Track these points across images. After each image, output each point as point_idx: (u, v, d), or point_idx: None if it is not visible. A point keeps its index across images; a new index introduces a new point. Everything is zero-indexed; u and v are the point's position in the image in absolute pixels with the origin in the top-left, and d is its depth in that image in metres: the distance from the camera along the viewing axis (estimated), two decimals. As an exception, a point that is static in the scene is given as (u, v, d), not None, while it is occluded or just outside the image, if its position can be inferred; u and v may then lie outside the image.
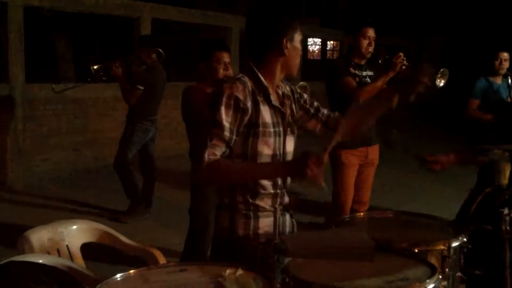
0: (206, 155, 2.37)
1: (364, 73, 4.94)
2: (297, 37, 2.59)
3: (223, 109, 2.42)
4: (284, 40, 2.53)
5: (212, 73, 4.42)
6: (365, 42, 4.86)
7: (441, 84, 4.52)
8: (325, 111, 2.84)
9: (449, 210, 4.56)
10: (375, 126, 4.83)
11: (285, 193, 2.65)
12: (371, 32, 4.88)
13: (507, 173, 3.46)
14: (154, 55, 6.73)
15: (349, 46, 5.03)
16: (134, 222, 6.70)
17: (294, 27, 2.57)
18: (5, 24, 8.58)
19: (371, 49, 4.88)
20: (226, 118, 2.41)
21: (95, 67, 6.70)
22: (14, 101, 8.56)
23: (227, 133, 2.41)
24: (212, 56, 4.45)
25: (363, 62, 4.96)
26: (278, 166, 2.49)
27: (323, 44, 34.72)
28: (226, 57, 4.47)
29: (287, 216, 2.70)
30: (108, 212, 7.08)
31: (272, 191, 2.57)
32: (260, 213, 2.54)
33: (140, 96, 6.62)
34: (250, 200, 2.52)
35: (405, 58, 4.62)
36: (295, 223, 2.77)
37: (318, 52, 35.92)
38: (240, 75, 2.55)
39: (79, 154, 9.75)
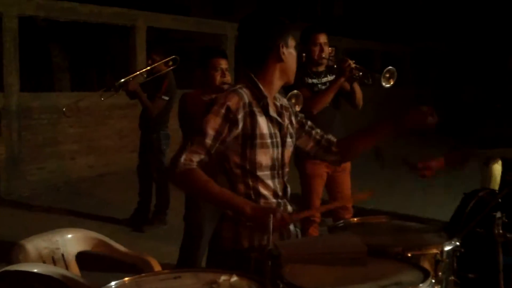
0: (182, 160, 2.37)
1: (324, 80, 4.90)
2: (291, 42, 2.60)
3: (211, 116, 2.43)
4: (280, 45, 2.54)
5: (209, 80, 4.42)
6: (316, 49, 4.83)
7: (388, 85, 4.54)
8: (319, 130, 2.83)
9: (443, 214, 4.58)
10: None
11: (287, 202, 2.65)
12: (321, 38, 4.84)
13: (498, 178, 3.48)
14: (170, 63, 6.69)
15: (305, 56, 4.98)
16: (130, 231, 6.69)
17: (287, 33, 2.58)
18: (0, 34, 8.59)
19: (324, 54, 4.84)
20: (212, 126, 2.41)
21: (122, 80, 6.54)
22: (9, 110, 8.57)
23: (209, 141, 2.41)
24: (209, 63, 4.44)
25: (321, 69, 4.93)
26: (245, 207, 2.36)
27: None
28: (223, 64, 4.46)
29: (291, 225, 2.66)
30: (104, 220, 7.07)
31: (273, 200, 2.57)
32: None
33: (164, 106, 6.60)
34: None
35: (353, 61, 4.60)
36: (299, 232, 2.76)
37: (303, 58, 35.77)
38: (239, 86, 2.55)
39: (75, 163, 9.75)
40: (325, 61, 4.90)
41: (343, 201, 4.85)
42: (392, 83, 4.58)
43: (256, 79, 2.56)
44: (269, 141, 2.52)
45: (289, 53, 2.59)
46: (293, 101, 4.47)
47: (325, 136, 2.81)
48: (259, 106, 2.52)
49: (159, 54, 6.70)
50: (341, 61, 4.65)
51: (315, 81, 4.85)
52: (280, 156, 2.58)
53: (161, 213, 6.90)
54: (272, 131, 2.55)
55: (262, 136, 2.50)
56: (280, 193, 2.59)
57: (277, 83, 2.61)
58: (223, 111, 2.43)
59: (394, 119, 2.69)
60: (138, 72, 6.93)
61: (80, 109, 9.57)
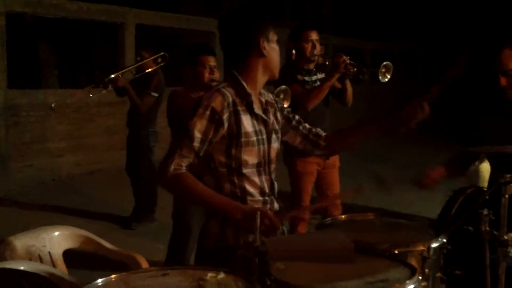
0: (172, 166, 2.39)
1: (314, 77, 4.91)
2: (273, 37, 2.60)
3: (197, 119, 2.44)
4: (261, 41, 2.53)
5: (197, 77, 4.42)
6: (308, 46, 4.83)
7: (386, 79, 4.55)
8: (307, 125, 2.84)
9: (431, 210, 4.59)
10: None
11: (274, 200, 2.65)
12: (313, 35, 4.84)
13: (487, 176, 3.49)
14: (159, 60, 6.67)
15: (296, 53, 4.98)
16: (116, 228, 6.67)
17: (268, 27, 2.57)
18: (-13, 31, 8.53)
19: (316, 51, 4.84)
20: (198, 128, 2.43)
21: (111, 76, 6.49)
22: (-4, 107, 8.51)
23: (196, 144, 2.43)
24: (197, 60, 4.44)
25: (312, 67, 4.93)
26: (234, 212, 2.39)
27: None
28: (211, 61, 4.46)
29: None
30: (92, 218, 7.05)
31: (260, 198, 2.57)
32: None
33: (153, 102, 6.59)
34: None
35: (348, 57, 4.61)
36: (286, 230, 2.77)
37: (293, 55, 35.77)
38: (222, 85, 2.56)
39: (63, 161, 9.70)
40: (317, 58, 4.89)
41: (330, 200, 4.84)
42: (389, 77, 4.58)
43: (239, 77, 2.56)
44: (254, 138, 2.52)
45: (271, 48, 2.59)
46: (282, 96, 4.47)
47: (313, 130, 2.82)
48: (243, 104, 2.52)
49: (148, 51, 6.69)
50: (336, 57, 4.64)
51: (306, 78, 4.85)
52: (266, 153, 2.59)
53: (149, 211, 6.88)
54: (258, 128, 2.55)
55: (247, 134, 2.50)
56: (267, 190, 2.59)
57: (261, 79, 2.61)
58: (208, 113, 2.44)
59: (389, 114, 2.70)
60: (127, 69, 6.91)
61: (68, 106, 9.53)
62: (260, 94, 2.65)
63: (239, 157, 2.50)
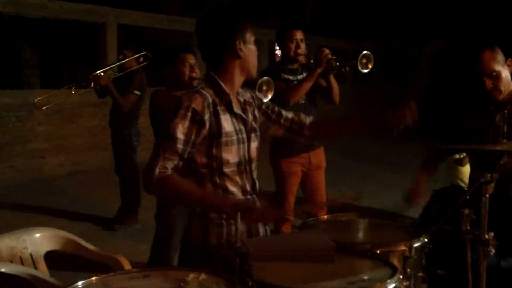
0: (157, 169, 2.37)
1: (300, 77, 4.90)
2: (249, 37, 2.59)
3: (178, 121, 2.42)
4: (237, 42, 2.53)
5: (178, 76, 4.44)
6: (292, 46, 4.81)
7: (366, 70, 4.54)
8: (289, 115, 2.84)
9: (416, 209, 4.62)
10: None
11: (256, 199, 2.65)
12: (297, 35, 4.83)
13: (467, 174, 3.52)
14: (141, 59, 6.64)
15: (281, 53, 4.97)
16: (100, 230, 6.63)
17: (244, 28, 2.56)
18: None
19: (300, 51, 4.83)
20: (181, 130, 2.41)
21: (95, 73, 6.41)
22: (-23, 108, 8.44)
23: (180, 146, 2.41)
24: (177, 60, 4.46)
25: (296, 66, 4.91)
26: (225, 207, 2.40)
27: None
28: (191, 59, 4.48)
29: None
30: (75, 219, 7.00)
31: (242, 197, 2.57)
32: (232, 221, 2.52)
33: (135, 101, 6.55)
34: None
35: (330, 53, 4.61)
36: (268, 229, 2.77)
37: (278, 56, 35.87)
38: (201, 86, 2.56)
39: (44, 161, 9.63)
40: (301, 57, 4.89)
41: (316, 204, 4.81)
42: (370, 67, 4.56)
43: (216, 78, 2.56)
44: (234, 137, 2.53)
45: (248, 49, 2.58)
46: (265, 87, 4.44)
47: (295, 119, 2.83)
48: (223, 104, 2.53)
49: (131, 50, 6.66)
50: (318, 52, 4.63)
51: (290, 77, 4.85)
52: (246, 151, 2.59)
53: (131, 211, 6.84)
54: (238, 128, 2.56)
55: (227, 134, 2.50)
56: (248, 189, 2.60)
57: (238, 79, 2.61)
58: (189, 114, 2.43)
59: (377, 114, 2.70)
60: (109, 66, 6.86)
61: (50, 106, 9.46)
62: (238, 93, 2.65)
63: (220, 156, 2.50)
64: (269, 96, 4.36)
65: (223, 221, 2.52)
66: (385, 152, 12.29)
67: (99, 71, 6.35)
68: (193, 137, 2.44)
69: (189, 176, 2.53)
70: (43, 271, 3.27)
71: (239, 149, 2.55)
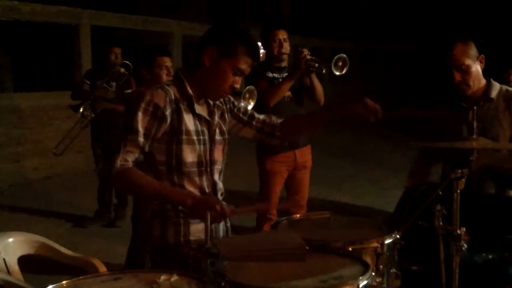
0: (118, 161, 2.39)
1: (286, 75, 4.94)
2: (238, 60, 2.49)
3: (140, 115, 2.45)
4: (210, 49, 2.50)
5: (154, 79, 4.42)
6: (275, 45, 4.86)
7: (340, 73, 4.55)
8: (261, 117, 2.85)
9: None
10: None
11: (218, 198, 2.65)
12: (280, 34, 4.87)
13: (439, 171, 3.55)
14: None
15: (266, 53, 5.00)
16: (79, 232, 6.59)
17: (229, 41, 2.49)
18: None
19: (284, 50, 4.87)
20: (142, 124, 2.44)
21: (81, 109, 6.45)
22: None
23: (141, 139, 2.43)
24: (153, 62, 4.47)
25: (283, 65, 4.95)
26: (185, 199, 2.36)
27: (267, 48, 34.72)
28: (167, 62, 4.50)
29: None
30: (51, 223, 6.94)
31: None
32: (190, 220, 2.53)
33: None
34: (180, 207, 2.51)
35: (309, 53, 4.63)
36: (229, 228, 2.78)
37: (262, 56, 35.94)
38: (167, 83, 2.57)
39: (19, 166, 9.51)
40: (285, 56, 4.91)
41: (294, 203, 4.80)
42: (345, 71, 4.57)
43: (183, 77, 2.57)
44: (195, 138, 2.53)
45: (219, 67, 2.49)
46: (247, 96, 4.48)
47: (267, 121, 2.84)
48: (186, 104, 2.53)
49: (118, 47, 6.69)
50: (296, 53, 4.65)
51: (276, 75, 4.86)
52: (208, 153, 2.60)
53: (103, 212, 6.83)
54: (199, 129, 2.56)
55: (188, 132, 2.51)
56: (207, 190, 2.60)
57: (201, 89, 2.58)
58: (151, 108, 2.45)
59: (339, 106, 2.70)
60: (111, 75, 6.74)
61: (23, 110, 9.36)
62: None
63: (179, 155, 2.51)
64: (252, 104, 4.40)
65: (181, 219, 2.53)
66: (369, 149, 12.36)
67: (101, 86, 6.41)
68: (153, 131, 2.46)
69: (148, 173, 2.53)
70: (17, 276, 3.23)
71: (200, 150, 2.55)
